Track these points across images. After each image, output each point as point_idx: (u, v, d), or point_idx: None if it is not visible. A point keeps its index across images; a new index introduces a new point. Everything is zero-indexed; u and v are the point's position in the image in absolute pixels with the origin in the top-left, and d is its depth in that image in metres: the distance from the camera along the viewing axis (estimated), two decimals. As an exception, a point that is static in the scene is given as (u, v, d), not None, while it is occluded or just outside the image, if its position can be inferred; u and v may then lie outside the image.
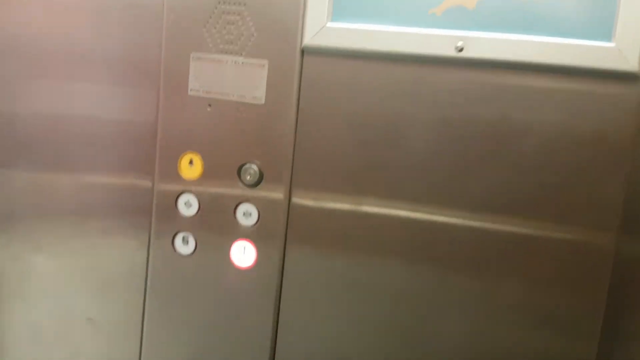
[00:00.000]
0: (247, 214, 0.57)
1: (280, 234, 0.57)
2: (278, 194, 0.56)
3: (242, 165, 0.57)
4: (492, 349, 0.55)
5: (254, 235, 0.57)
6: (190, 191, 0.58)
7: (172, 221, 0.59)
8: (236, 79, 0.56)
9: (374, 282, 0.56)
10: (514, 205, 0.53)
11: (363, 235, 0.56)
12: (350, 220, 0.56)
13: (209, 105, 0.56)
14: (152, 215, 0.59)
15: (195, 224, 0.59)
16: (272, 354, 0.59)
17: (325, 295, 0.57)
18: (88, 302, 0.64)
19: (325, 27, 0.54)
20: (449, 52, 0.51)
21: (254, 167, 0.56)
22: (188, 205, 0.58)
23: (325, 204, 0.56)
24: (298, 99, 0.55)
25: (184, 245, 0.59)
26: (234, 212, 0.57)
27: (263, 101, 0.55)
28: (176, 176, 0.58)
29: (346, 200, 0.56)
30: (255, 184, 0.57)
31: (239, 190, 0.57)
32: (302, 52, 0.54)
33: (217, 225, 0.58)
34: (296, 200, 0.56)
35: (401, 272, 0.56)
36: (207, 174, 0.58)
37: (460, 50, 0.50)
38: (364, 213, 0.56)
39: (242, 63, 0.55)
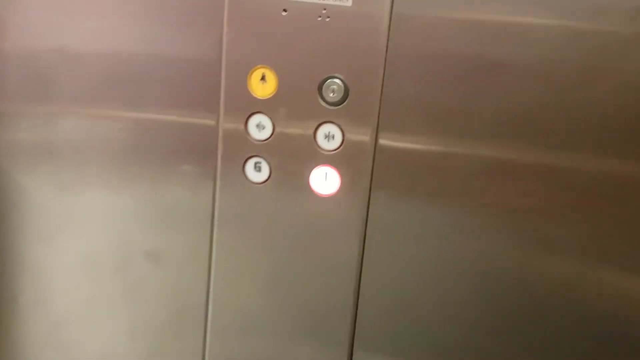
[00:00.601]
0: (329, 137, 0.50)
1: (368, 158, 0.50)
2: (365, 116, 0.49)
3: (324, 80, 0.49)
4: (589, 296, 0.51)
5: (337, 160, 0.51)
6: (262, 111, 0.51)
7: (242, 145, 0.52)
8: (317, -23, 0.47)
9: (465, 229, 0.51)
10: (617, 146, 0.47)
11: (457, 178, 0.50)
12: (445, 160, 0.50)
13: (284, 10, 0.48)
14: (219, 139, 0.52)
15: (268, 149, 0.52)
16: (357, 285, 0.54)
17: (411, 236, 0.52)
18: (148, 234, 0.59)
19: None
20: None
21: (337, 82, 0.49)
22: (260, 127, 0.51)
23: (416, 144, 0.49)
24: (392, 1, 0.46)
25: (257, 172, 0.53)
26: (314, 134, 0.50)
27: (350, 2, 0.47)
28: (246, 94, 0.50)
29: (440, 137, 0.49)
30: (339, 102, 0.49)
31: (320, 109, 0.50)
32: (399, -59, 0.45)
33: (294, 149, 0.51)
34: (385, 127, 0.49)
35: (491, 218, 0.51)
36: (282, 91, 0.50)
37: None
38: (456, 154, 0.49)
39: (325, -43, 0.46)
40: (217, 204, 0.55)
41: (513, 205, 0.50)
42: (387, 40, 0.47)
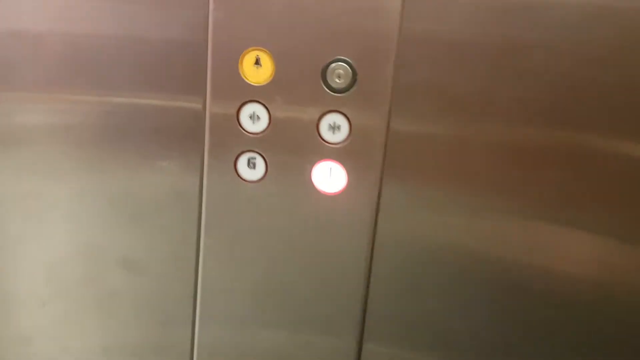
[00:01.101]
0: (334, 128, 0.44)
1: (378, 151, 0.45)
2: (375, 104, 0.44)
3: (329, 63, 0.43)
4: (613, 288, 0.47)
5: (343, 153, 0.45)
6: (256, 100, 0.45)
7: (233, 139, 0.46)
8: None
9: (483, 220, 0.47)
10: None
11: (476, 171, 0.45)
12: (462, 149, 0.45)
13: (282, -18, 0.42)
14: (206, 131, 0.46)
15: (264, 142, 0.46)
16: (365, 292, 0.49)
17: (424, 236, 0.48)
18: (123, 239, 0.52)
19: None
20: None
21: (344, 66, 0.43)
22: (254, 119, 0.45)
23: (432, 134, 0.44)
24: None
25: (250, 169, 0.47)
26: (317, 126, 0.45)
27: (359, -26, 0.41)
28: (237, 81, 0.44)
29: (458, 126, 0.44)
30: (346, 89, 0.43)
31: (323, 97, 0.44)
32: None
33: (293, 142, 0.45)
34: (397, 117, 0.44)
35: (511, 208, 0.46)
36: (280, 77, 0.44)
37: None
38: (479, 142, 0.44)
39: None
40: (204, 205, 0.49)
41: (535, 192, 0.46)
42: (401, 18, 0.42)
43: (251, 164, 0.46)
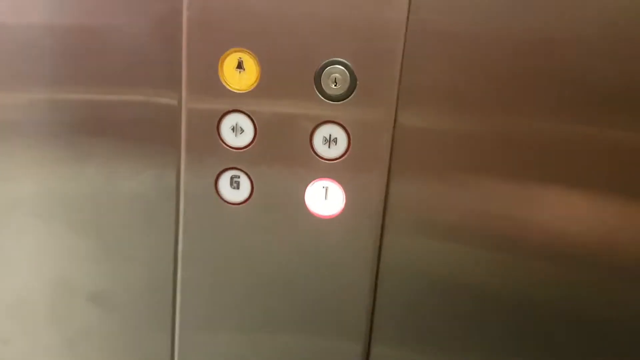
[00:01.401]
0: (330, 141, 0.39)
1: (382, 168, 0.39)
2: (377, 113, 0.38)
3: (323, 66, 0.37)
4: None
5: (341, 170, 0.39)
6: (240, 110, 0.39)
7: (213, 155, 0.40)
8: None
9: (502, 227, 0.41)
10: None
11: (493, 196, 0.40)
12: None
13: (268, -28, 0.36)
14: (182, 147, 0.41)
15: (249, 159, 0.40)
16: (369, 328, 0.43)
17: (432, 263, 0.42)
18: (92, 272, 0.47)
19: None
20: None
21: (341, 69, 0.37)
22: (237, 131, 0.40)
23: (444, 148, 0.39)
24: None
25: (233, 189, 0.41)
26: (310, 139, 0.39)
27: (358, -38, 0.35)
28: (217, 87, 0.39)
29: (469, 132, 0.39)
30: (344, 96, 0.38)
31: (317, 106, 0.38)
32: None
33: (283, 158, 0.40)
34: (403, 128, 0.39)
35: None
36: (266, 83, 0.38)
37: None
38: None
39: None
40: (181, 231, 0.43)
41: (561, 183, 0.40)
42: (408, 12, 0.36)
43: (234, 184, 0.41)
